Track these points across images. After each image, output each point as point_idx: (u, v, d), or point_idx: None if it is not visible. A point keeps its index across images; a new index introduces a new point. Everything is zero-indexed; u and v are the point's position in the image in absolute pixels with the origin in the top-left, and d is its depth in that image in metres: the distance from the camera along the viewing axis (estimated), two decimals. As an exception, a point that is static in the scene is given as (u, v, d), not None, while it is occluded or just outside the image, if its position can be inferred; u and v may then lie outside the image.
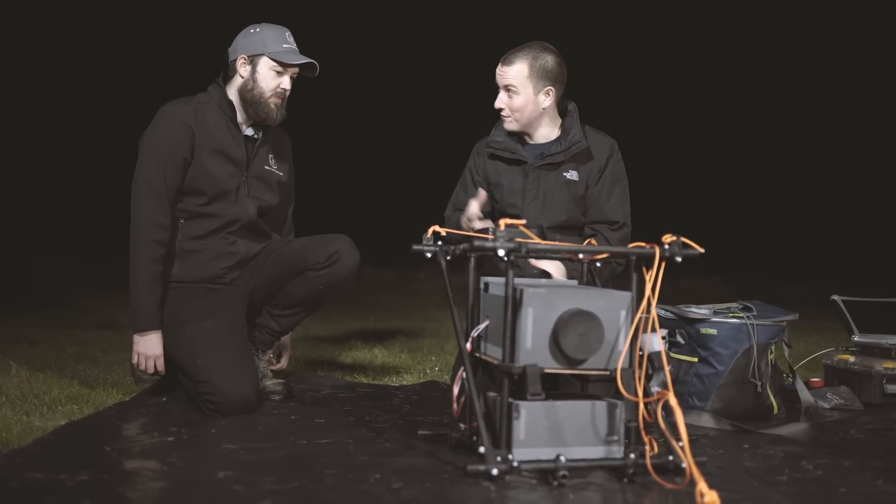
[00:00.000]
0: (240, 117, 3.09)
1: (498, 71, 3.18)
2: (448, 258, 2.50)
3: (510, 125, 3.21)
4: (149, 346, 2.94)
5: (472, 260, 2.51)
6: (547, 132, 3.23)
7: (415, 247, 2.52)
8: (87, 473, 2.12)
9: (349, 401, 3.14)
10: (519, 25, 10.55)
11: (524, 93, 3.14)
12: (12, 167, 9.52)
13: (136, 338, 2.95)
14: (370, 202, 10.91)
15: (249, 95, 3.04)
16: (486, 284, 2.48)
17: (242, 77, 3.06)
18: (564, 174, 3.19)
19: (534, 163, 3.20)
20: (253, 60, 3.04)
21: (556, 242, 2.52)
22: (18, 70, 9.80)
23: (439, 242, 2.51)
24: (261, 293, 3.12)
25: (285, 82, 3.06)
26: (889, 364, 3.33)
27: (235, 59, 3.07)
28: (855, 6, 10.43)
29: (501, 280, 2.34)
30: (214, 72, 3.15)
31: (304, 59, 3.05)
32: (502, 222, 2.30)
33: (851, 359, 3.42)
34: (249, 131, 3.12)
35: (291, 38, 3.09)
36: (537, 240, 2.36)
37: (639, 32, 11.37)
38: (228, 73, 3.11)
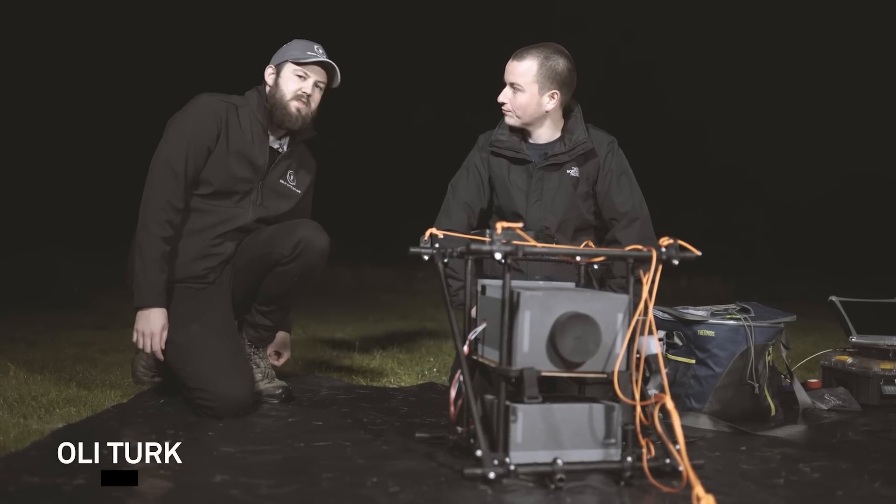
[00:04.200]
0: (270, 128, 3.12)
1: (507, 65, 3.15)
2: (445, 261, 2.50)
3: (510, 120, 3.19)
4: (150, 323, 2.89)
5: (470, 262, 2.50)
6: (548, 134, 3.21)
7: (412, 249, 2.51)
8: (84, 477, 2.12)
9: (347, 402, 3.14)
10: (518, 24, 10.55)
11: (529, 92, 3.11)
12: (13, 166, 9.51)
13: (139, 314, 2.90)
14: (370, 201, 10.90)
15: (273, 101, 3.08)
16: (484, 287, 2.47)
17: (269, 85, 3.11)
18: (568, 171, 3.18)
19: (538, 162, 3.19)
20: (278, 68, 3.10)
21: (553, 245, 2.52)
22: (20, 71, 9.79)
23: (436, 245, 2.50)
24: (240, 291, 3.10)
25: (306, 86, 3.08)
26: (887, 365, 3.33)
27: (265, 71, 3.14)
28: (853, 5, 10.42)
29: (499, 282, 2.33)
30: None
31: (320, 58, 3.07)
32: (499, 225, 2.30)
33: (849, 360, 3.42)
34: (276, 145, 3.14)
35: (321, 50, 3.12)
36: (533, 242, 2.35)
37: (638, 32, 11.36)
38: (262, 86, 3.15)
